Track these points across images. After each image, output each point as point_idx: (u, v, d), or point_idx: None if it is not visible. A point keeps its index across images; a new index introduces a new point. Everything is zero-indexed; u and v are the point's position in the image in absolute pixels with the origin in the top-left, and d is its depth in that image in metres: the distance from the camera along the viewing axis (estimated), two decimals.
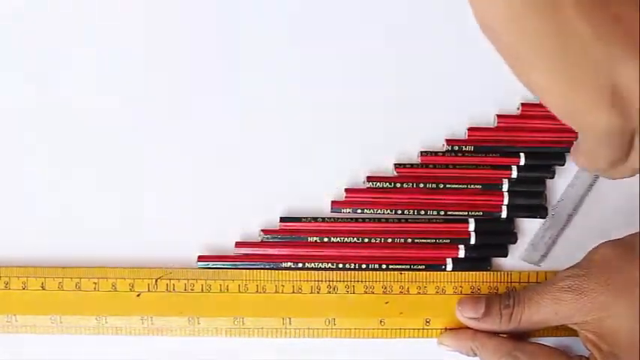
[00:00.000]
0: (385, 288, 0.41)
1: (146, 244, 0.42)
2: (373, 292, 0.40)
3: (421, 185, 0.41)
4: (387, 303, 0.40)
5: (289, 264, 0.41)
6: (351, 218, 0.42)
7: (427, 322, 0.40)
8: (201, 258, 0.41)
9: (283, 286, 0.40)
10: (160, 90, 0.43)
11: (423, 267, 0.41)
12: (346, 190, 0.42)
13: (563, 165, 0.42)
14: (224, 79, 0.43)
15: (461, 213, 0.42)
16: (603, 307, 0.36)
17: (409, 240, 0.41)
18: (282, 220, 0.41)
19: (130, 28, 0.43)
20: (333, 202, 0.42)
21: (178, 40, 0.43)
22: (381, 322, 0.40)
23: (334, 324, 0.40)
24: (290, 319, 0.40)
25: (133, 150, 0.43)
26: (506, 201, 0.41)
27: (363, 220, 0.42)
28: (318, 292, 0.40)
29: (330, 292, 0.40)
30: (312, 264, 0.41)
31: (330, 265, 0.41)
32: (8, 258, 0.41)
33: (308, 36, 0.43)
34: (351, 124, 0.43)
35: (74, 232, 0.42)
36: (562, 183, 0.42)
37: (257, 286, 0.41)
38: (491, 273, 0.41)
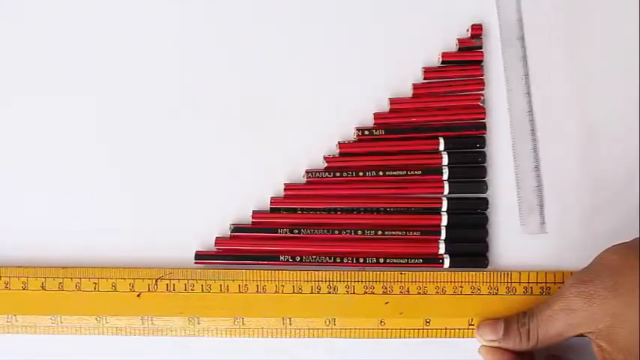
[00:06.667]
0: (385, 288, 0.41)
1: (146, 244, 0.42)
2: (373, 292, 0.40)
3: (353, 174, 0.42)
4: (387, 303, 0.40)
5: (286, 257, 0.41)
6: (331, 209, 0.42)
7: (427, 322, 0.40)
8: (199, 253, 0.41)
9: (283, 286, 0.40)
10: (160, 96, 0.43)
11: (421, 261, 0.41)
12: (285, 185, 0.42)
13: (483, 147, 0.42)
14: (210, 84, 0.43)
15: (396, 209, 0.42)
16: (613, 313, 0.35)
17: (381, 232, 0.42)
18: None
19: (103, 28, 0.43)
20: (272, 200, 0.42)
21: (182, 49, 0.43)
22: (381, 322, 0.40)
23: (334, 324, 0.40)
24: (290, 319, 0.40)
25: (132, 151, 0.43)
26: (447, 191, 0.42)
27: (340, 210, 0.42)
28: (318, 292, 0.40)
29: (330, 292, 0.40)
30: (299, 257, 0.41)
31: (321, 259, 0.41)
32: (8, 258, 0.41)
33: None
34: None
35: (74, 232, 0.42)
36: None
37: (257, 286, 0.41)
38: (491, 273, 0.41)
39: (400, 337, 0.40)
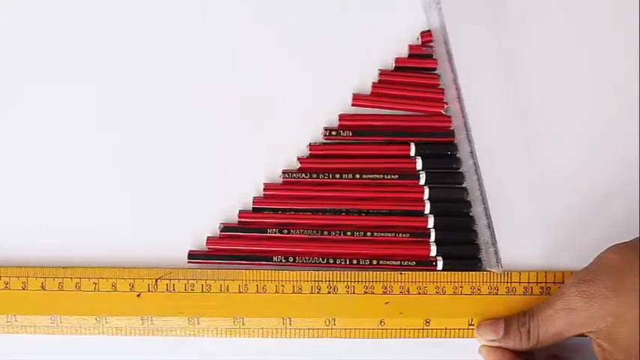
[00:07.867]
0: (385, 288, 0.40)
1: (146, 244, 0.42)
2: (373, 292, 0.40)
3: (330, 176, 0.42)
4: (387, 303, 0.40)
5: (280, 258, 0.41)
6: (313, 210, 0.42)
7: (427, 322, 0.40)
8: (192, 252, 0.41)
9: (283, 286, 0.40)
10: (153, 100, 0.43)
11: (414, 263, 0.41)
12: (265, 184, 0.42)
13: (455, 154, 0.42)
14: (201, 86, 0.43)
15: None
16: (614, 313, 0.35)
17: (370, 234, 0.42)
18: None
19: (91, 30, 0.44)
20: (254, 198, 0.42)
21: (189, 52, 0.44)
22: (381, 322, 0.40)
23: (334, 324, 0.40)
24: (290, 319, 0.40)
25: (131, 152, 0.43)
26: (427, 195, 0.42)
27: (325, 212, 0.42)
28: (318, 292, 0.40)
29: (330, 292, 0.40)
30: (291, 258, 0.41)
31: (312, 259, 0.41)
32: (8, 258, 0.41)
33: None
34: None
35: (74, 232, 0.42)
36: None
37: (257, 286, 0.41)
38: (491, 273, 0.41)
39: (400, 337, 0.40)
